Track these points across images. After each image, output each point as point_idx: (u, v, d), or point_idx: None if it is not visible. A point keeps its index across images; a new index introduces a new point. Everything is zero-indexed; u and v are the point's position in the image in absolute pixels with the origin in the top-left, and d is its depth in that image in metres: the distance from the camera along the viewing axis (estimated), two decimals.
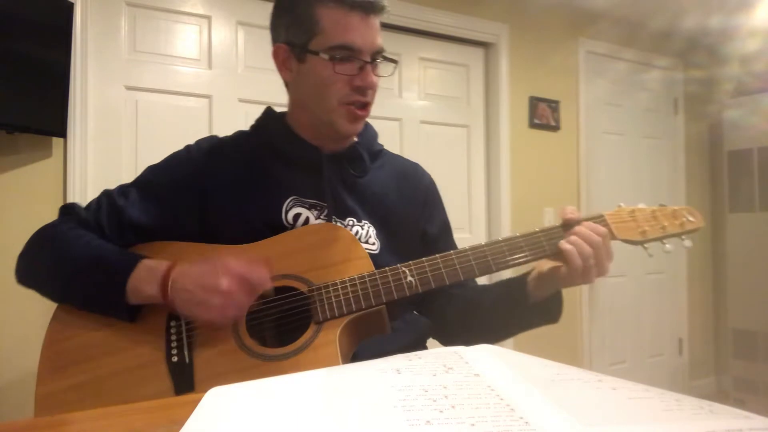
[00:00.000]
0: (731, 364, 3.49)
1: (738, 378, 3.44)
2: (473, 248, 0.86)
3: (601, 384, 0.41)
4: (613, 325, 3.25)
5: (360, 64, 0.88)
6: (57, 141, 1.88)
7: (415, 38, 2.69)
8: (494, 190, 2.88)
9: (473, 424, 0.33)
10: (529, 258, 0.86)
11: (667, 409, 0.35)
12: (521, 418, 0.34)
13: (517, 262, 0.86)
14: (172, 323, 0.82)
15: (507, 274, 0.96)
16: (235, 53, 2.25)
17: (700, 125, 3.70)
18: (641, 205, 0.94)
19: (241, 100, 2.24)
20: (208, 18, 2.20)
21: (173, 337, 0.81)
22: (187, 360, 0.79)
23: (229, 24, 2.24)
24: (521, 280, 0.93)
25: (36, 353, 1.91)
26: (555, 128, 3.07)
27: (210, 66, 2.19)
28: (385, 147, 1.07)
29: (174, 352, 0.80)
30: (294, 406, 0.40)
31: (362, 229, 0.94)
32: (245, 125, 1.02)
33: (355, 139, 1.00)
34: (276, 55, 0.95)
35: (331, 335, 0.78)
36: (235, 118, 2.18)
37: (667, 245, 0.91)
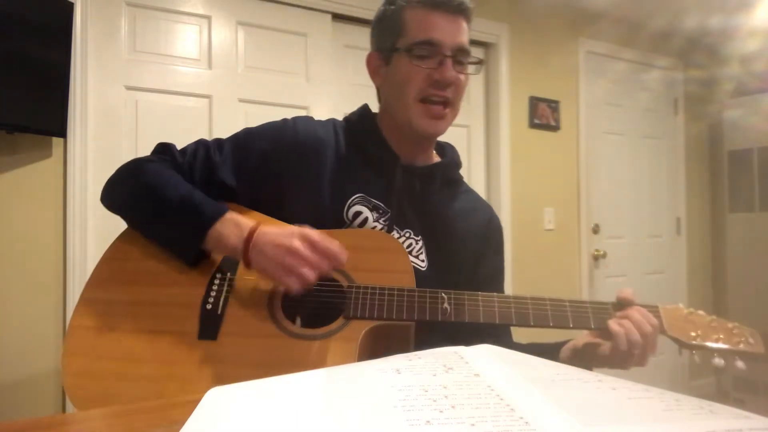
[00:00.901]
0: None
1: (738, 378, 3.44)
2: (516, 297, 0.85)
3: (601, 384, 0.41)
4: None
5: (440, 59, 0.90)
6: (57, 141, 1.89)
7: None
8: (494, 190, 2.89)
9: (473, 424, 0.33)
10: (570, 324, 0.84)
11: (667, 409, 0.35)
12: (521, 418, 0.34)
13: (557, 324, 0.84)
14: (218, 275, 0.86)
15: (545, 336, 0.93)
16: (235, 53, 2.25)
17: (700, 125, 3.70)
18: (701, 312, 0.90)
19: (241, 100, 2.24)
20: (208, 18, 2.20)
21: (214, 287, 0.85)
22: (219, 311, 0.82)
23: (229, 24, 2.24)
24: (554, 348, 0.92)
25: (37, 354, 1.92)
26: (555, 128, 3.08)
27: (210, 66, 2.19)
28: None
29: (211, 300, 0.83)
30: (294, 406, 0.40)
31: (416, 243, 0.96)
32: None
33: (436, 160, 1.04)
34: (368, 64, 1.00)
35: (356, 333, 0.80)
36: (235, 118, 2.19)
37: (717, 359, 0.85)
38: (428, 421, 0.33)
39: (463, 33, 0.92)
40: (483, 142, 2.92)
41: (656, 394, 0.38)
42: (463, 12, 0.92)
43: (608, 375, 0.43)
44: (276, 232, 0.81)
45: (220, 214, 0.85)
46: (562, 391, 0.39)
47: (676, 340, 0.87)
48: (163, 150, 0.97)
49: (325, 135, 0.98)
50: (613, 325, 0.82)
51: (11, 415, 1.76)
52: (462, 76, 0.93)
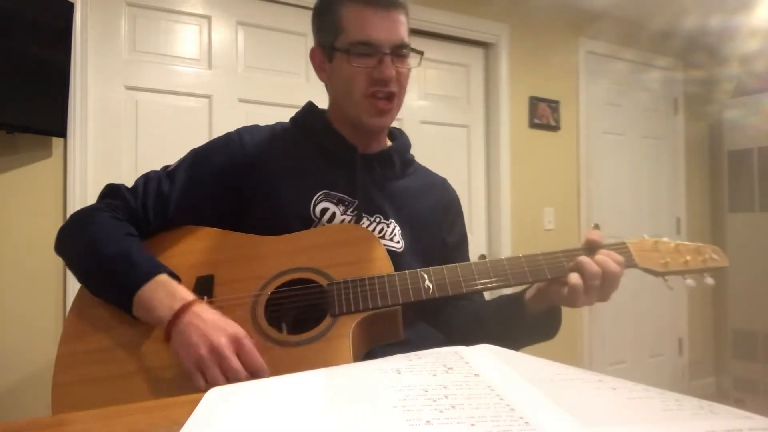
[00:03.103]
0: (731, 364, 3.50)
1: (738, 378, 3.44)
2: (493, 261, 0.86)
3: (601, 384, 0.41)
4: (613, 325, 3.25)
5: (379, 57, 0.91)
6: (57, 141, 1.88)
7: (415, 38, 2.68)
8: (494, 190, 2.88)
9: (473, 424, 0.33)
10: (548, 276, 0.86)
11: (667, 409, 0.35)
12: (521, 418, 0.34)
13: (535, 278, 0.86)
14: None
15: None
16: (235, 53, 2.25)
17: (700, 125, 3.70)
18: (665, 239, 0.93)
19: (241, 100, 2.24)
20: (208, 18, 2.20)
21: None
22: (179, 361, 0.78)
23: (229, 24, 2.24)
24: (519, 293, 0.93)
25: (37, 354, 1.91)
26: (555, 128, 3.07)
27: (210, 66, 2.19)
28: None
29: (172, 348, 0.78)
30: (294, 406, 0.40)
31: (387, 227, 0.97)
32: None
33: (389, 144, 1.04)
34: (312, 58, 1.01)
35: (345, 328, 0.79)
36: (235, 118, 2.18)
37: (689, 280, 0.90)
38: (428, 421, 0.33)
39: (401, 28, 0.93)
40: (483, 142, 2.92)
41: (656, 394, 0.38)
42: (397, 6, 0.93)
43: (608, 375, 0.43)
44: (211, 319, 0.75)
45: (149, 276, 0.79)
46: (562, 391, 0.39)
47: (648, 271, 0.90)
48: (112, 193, 0.93)
49: (273, 140, 0.98)
50: (573, 279, 0.83)
51: (11, 415, 1.76)
52: (403, 70, 0.94)
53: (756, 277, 3.35)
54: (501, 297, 0.99)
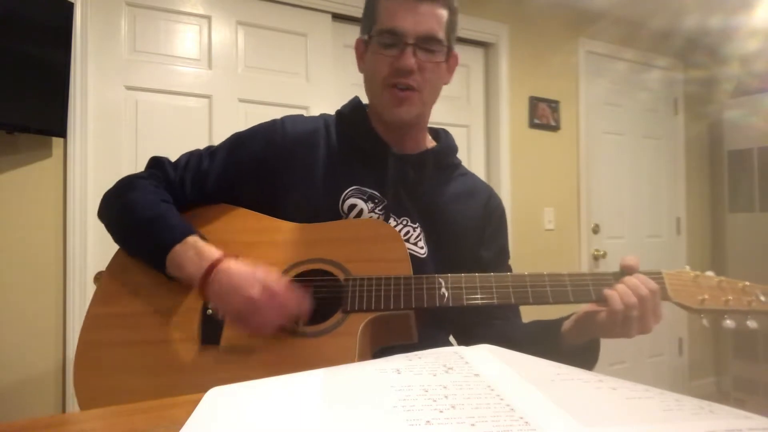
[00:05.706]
0: (731, 364, 3.49)
1: (738, 378, 3.44)
2: (514, 275, 0.84)
3: (601, 384, 0.41)
4: None
5: (401, 48, 0.91)
6: (57, 141, 1.88)
7: None
8: (494, 190, 2.88)
9: (473, 424, 0.33)
10: (571, 299, 0.82)
11: (667, 409, 0.35)
12: (521, 418, 0.34)
13: (557, 300, 0.82)
14: None
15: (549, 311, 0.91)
16: (235, 53, 2.25)
17: (700, 125, 3.70)
18: (709, 273, 0.86)
19: (241, 100, 2.24)
20: (208, 18, 2.20)
21: None
22: (220, 315, 0.83)
23: (229, 24, 2.24)
24: (557, 323, 0.90)
25: (37, 354, 1.91)
26: (555, 128, 3.07)
27: (210, 66, 2.19)
28: None
29: (210, 305, 0.83)
30: (294, 406, 0.40)
31: (414, 230, 0.96)
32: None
33: (429, 146, 1.04)
34: (356, 50, 1.02)
35: (354, 327, 0.80)
36: (235, 118, 2.18)
37: (728, 321, 0.82)
38: (428, 421, 0.33)
39: (431, 20, 0.91)
40: (483, 142, 2.92)
41: (656, 394, 0.38)
42: None
43: (608, 375, 0.43)
44: (239, 273, 0.79)
45: (181, 237, 0.84)
46: (562, 391, 0.39)
47: (682, 306, 0.84)
48: (156, 165, 0.98)
49: (315, 131, 0.99)
50: (607, 290, 0.80)
51: (11, 415, 1.76)
52: (428, 64, 0.92)
53: (756, 277, 3.31)
54: (537, 323, 0.96)
